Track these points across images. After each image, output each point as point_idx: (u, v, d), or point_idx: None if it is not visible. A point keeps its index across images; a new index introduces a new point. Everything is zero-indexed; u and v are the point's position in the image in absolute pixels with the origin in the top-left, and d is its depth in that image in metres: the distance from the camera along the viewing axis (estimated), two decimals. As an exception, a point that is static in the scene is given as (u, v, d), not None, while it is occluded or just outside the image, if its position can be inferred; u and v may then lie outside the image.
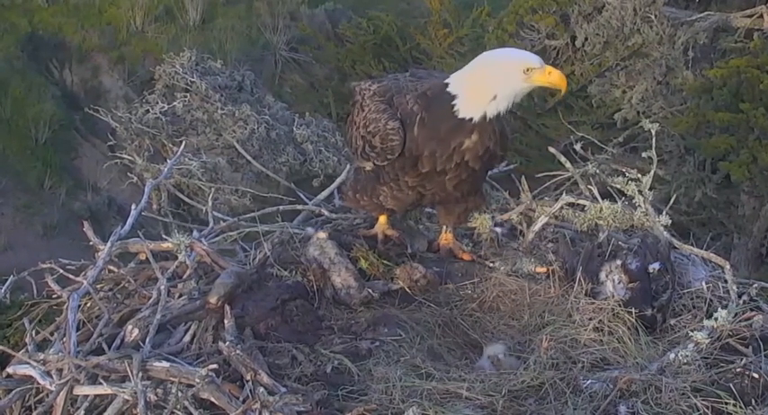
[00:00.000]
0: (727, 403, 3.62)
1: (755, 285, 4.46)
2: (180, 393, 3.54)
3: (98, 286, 4.44)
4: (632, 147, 8.36)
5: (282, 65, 12.98)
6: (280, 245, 4.66)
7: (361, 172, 4.56)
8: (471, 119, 4.12)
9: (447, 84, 4.18)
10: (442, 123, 4.15)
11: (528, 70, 4.08)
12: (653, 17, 8.24)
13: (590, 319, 4.20)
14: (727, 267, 4.46)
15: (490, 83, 4.11)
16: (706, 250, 4.69)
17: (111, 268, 4.58)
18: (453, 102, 4.13)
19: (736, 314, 4.08)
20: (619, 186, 4.82)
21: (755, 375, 3.80)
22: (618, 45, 8.51)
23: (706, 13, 8.30)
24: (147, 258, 4.41)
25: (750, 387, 3.78)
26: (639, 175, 4.74)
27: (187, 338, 4.02)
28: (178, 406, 3.52)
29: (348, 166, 5.60)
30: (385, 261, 4.53)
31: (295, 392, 3.57)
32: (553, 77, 4.14)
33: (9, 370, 4.09)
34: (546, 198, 5.18)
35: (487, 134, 4.15)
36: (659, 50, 8.29)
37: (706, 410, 3.59)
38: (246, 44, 13.15)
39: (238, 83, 8.05)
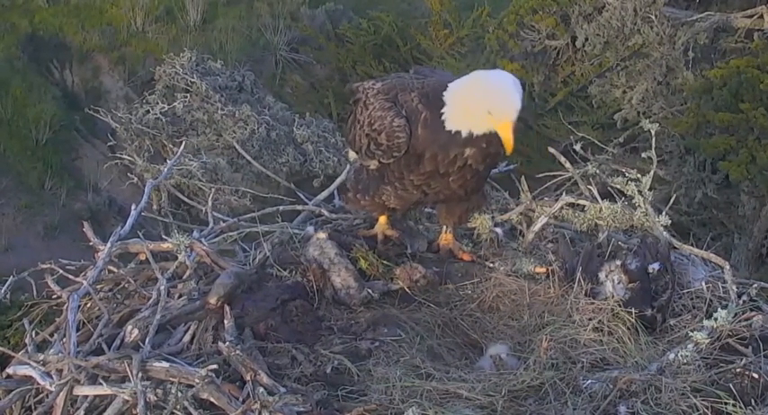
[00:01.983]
0: (726, 403, 3.62)
1: (755, 285, 4.46)
2: (180, 394, 3.54)
3: (98, 287, 4.44)
4: (633, 148, 8.36)
5: (283, 65, 12.98)
6: (279, 245, 4.66)
7: (364, 172, 4.55)
8: (459, 133, 4.11)
9: (445, 88, 4.15)
10: (439, 130, 4.13)
11: (489, 113, 4.03)
12: (653, 17, 8.24)
13: (590, 319, 4.20)
14: (727, 267, 4.46)
15: (472, 104, 4.06)
16: (706, 250, 4.69)
17: (111, 268, 4.58)
18: (442, 110, 4.11)
19: (735, 314, 4.07)
20: (619, 186, 4.82)
21: (755, 376, 3.80)
22: (618, 45, 8.51)
23: (706, 13, 8.30)
24: (146, 258, 4.41)
25: (750, 387, 3.77)
26: (639, 175, 4.74)
27: (187, 338, 4.02)
28: (178, 406, 3.52)
29: (348, 166, 5.59)
30: (385, 262, 4.53)
31: (295, 393, 3.57)
32: (503, 133, 4.05)
33: (9, 371, 4.09)
34: (546, 199, 5.17)
35: (485, 144, 4.11)
36: (659, 51, 8.30)
37: (706, 411, 3.59)
38: (247, 44, 13.15)
39: (239, 84, 8.06)
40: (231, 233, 4.92)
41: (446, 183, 4.28)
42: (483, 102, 4.01)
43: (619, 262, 4.42)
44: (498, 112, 4.00)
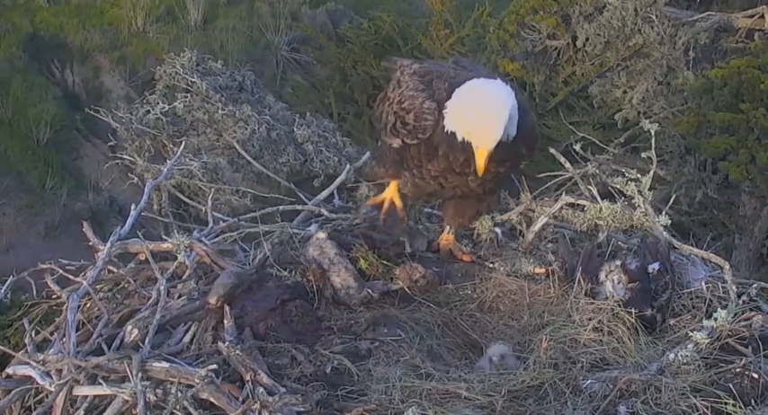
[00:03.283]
0: (726, 403, 3.62)
1: (755, 285, 4.46)
2: (179, 394, 3.54)
3: (98, 287, 4.44)
4: (633, 148, 8.35)
5: (284, 65, 12.99)
6: (279, 245, 4.66)
7: (386, 149, 4.47)
8: (455, 134, 4.07)
9: (458, 86, 4.09)
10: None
11: (468, 135, 4.01)
12: (654, 17, 8.22)
13: (589, 319, 4.21)
14: (727, 267, 4.46)
15: (462, 112, 4.04)
16: (707, 250, 4.69)
17: (111, 268, 4.58)
18: (446, 104, 4.10)
19: (735, 314, 4.07)
20: (619, 186, 4.82)
21: (755, 376, 3.81)
22: (619, 45, 8.49)
23: (707, 13, 8.27)
24: (146, 258, 4.41)
25: (750, 387, 3.78)
26: (639, 175, 4.74)
27: (187, 338, 4.02)
28: (177, 406, 3.52)
29: (348, 166, 5.60)
30: (384, 261, 4.53)
31: (294, 393, 3.57)
32: (477, 158, 4.00)
33: (9, 371, 4.10)
34: (546, 199, 5.17)
35: (494, 151, 4.00)
36: (660, 50, 8.27)
37: (705, 411, 3.59)
38: (248, 44, 13.16)
39: (239, 84, 8.03)
40: (231, 233, 4.91)
41: (464, 181, 4.25)
42: (468, 117, 3.99)
43: (619, 262, 4.42)
44: (476, 137, 3.98)
